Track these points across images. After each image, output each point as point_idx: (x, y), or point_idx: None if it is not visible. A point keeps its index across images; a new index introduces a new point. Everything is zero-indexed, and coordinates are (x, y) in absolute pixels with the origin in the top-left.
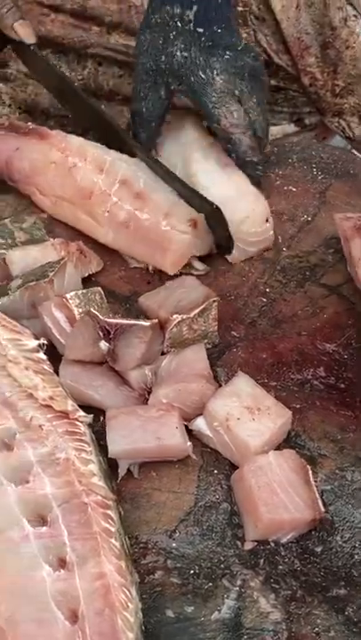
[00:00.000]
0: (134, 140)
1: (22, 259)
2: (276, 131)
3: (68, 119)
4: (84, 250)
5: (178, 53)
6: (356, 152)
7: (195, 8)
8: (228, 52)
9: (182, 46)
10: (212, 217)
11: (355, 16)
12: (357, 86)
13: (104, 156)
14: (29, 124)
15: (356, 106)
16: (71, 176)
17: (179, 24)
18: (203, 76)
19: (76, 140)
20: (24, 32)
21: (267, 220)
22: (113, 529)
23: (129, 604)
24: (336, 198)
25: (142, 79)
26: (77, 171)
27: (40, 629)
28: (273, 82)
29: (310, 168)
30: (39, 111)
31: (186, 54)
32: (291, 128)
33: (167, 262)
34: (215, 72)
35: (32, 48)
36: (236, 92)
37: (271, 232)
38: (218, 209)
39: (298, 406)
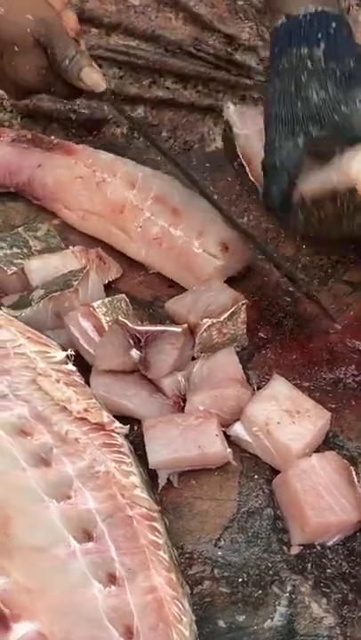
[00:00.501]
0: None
1: (42, 268)
2: None
3: (72, 122)
4: (103, 257)
5: (314, 95)
6: None
7: (323, 45)
8: None
9: (318, 86)
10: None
11: (358, 5)
12: None
13: (136, 172)
14: (52, 138)
15: None
16: (100, 190)
17: (309, 64)
18: (345, 110)
19: (105, 156)
20: (91, 80)
21: None
22: (160, 541)
23: (182, 616)
24: None
25: (278, 130)
26: (107, 186)
27: None
28: None
29: None
30: (41, 116)
31: (323, 94)
32: None
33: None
34: (358, 101)
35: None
36: None
37: None
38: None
39: (333, 406)
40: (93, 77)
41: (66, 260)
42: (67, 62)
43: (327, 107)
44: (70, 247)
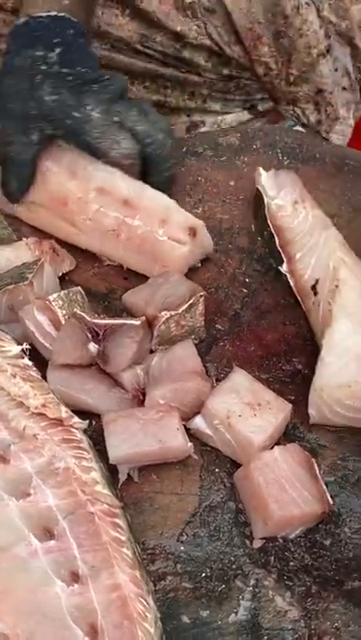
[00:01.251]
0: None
1: None
2: (230, 119)
3: None
4: (56, 248)
5: (47, 97)
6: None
7: (57, 50)
8: (94, 86)
9: (50, 90)
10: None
11: (307, 4)
12: (312, 74)
13: (79, 161)
14: None
15: (310, 93)
16: (43, 181)
17: (43, 67)
18: (78, 115)
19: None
20: None
21: None
22: (123, 537)
23: (147, 614)
24: (305, 184)
25: (10, 124)
26: (50, 176)
27: None
28: (225, 71)
29: (275, 153)
30: None
31: (55, 97)
32: (245, 115)
33: None
34: (89, 107)
35: None
36: (115, 119)
37: None
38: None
39: (292, 398)
40: None
41: (19, 252)
42: None
43: (60, 110)
44: (23, 239)
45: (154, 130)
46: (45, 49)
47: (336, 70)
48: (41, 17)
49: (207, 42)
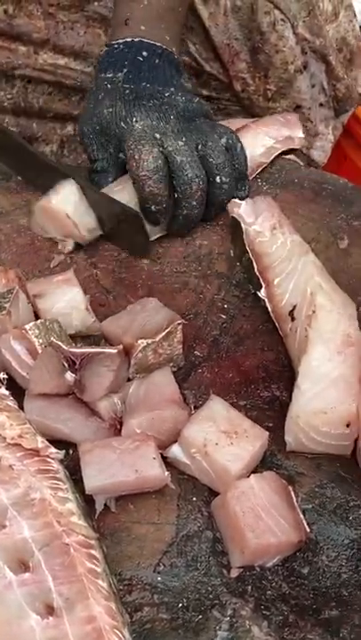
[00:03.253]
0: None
1: None
2: None
3: None
4: (21, 277)
5: (105, 111)
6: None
7: (125, 70)
8: (152, 101)
9: (108, 103)
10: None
11: (282, 20)
12: (289, 89)
13: None
14: None
15: (288, 109)
16: None
17: (108, 86)
18: (124, 125)
19: None
20: None
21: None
22: (99, 569)
23: None
24: (284, 208)
25: (86, 144)
26: None
27: None
28: (205, 92)
29: (254, 179)
30: None
31: (111, 109)
32: None
33: None
34: (135, 119)
35: None
36: (158, 136)
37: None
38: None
39: (270, 424)
40: None
41: None
42: None
43: (112, 122)
44: None
45: (192, 160)
46: (114, 71)
47: (313, 86)
48: (117, 43)
49: (186, 59)
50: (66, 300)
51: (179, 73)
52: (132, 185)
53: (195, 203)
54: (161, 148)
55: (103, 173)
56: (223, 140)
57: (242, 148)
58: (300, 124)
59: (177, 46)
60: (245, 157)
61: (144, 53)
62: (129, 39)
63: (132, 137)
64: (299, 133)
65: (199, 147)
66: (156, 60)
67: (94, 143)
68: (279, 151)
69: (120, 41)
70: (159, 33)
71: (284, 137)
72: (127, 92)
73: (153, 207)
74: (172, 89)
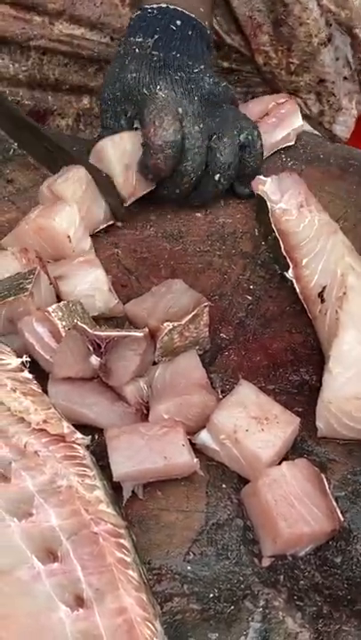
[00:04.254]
0: None
1: None
2: None
3: None
4: (42, 257)
5: (129, 75)
6: (313, 129)
7: (156, 36)
8: (179, 73)
9: (133, 68)
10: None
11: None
12: (313, 63)
13: None
14: None
15: (311, 83)
16: None
17: (137, 50)
18: (146, 92)
19: None
20: None
21: None
22: (128, 559)
23: (154, 638)
24: (310, 186)
25: (103, 109)
26: None
27: None
28: (225, 64)
29: (279, 155)
30: None
31: (135, 74)
32: None
33: None
34: (158, 87)
35: None
36: (180, 110)
37: None
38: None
39: (300, 410)
40: None
41: (4, 262)
42: None
43: (134, 88)
44: (8, 248)
45: (200, 152)
46: (144, 36)
47: (337, 60)
48: (151, 8)
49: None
50: (88, 281)
51: (209, 50)
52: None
53: (178, 191)
54: (181, 125)
55: None
56: (242, 136)
57: (261, 145)
58: (298, 109)
59: (210, 21)
60: (262, 155)
61: (178, 22)
62: (164, 5)
63: (154, 104)
64: (297, 122)
65: (213, 137)
66: (189, 32)
67: (110, 110)
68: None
69: (154, 6)
70: (194, 4)
71: (277, 140)
72: (155, 58)
73: (150, 176)
74: (202, 66)
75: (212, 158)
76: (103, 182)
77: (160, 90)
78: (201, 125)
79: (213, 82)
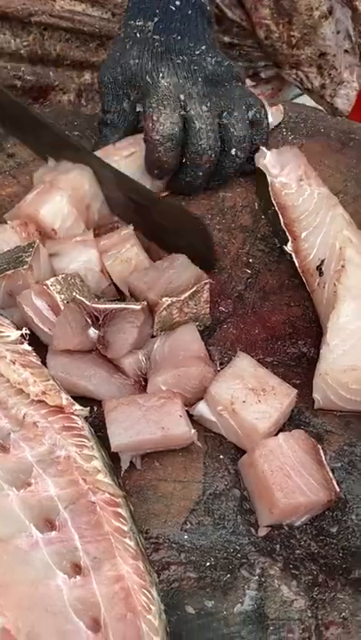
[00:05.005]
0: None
1: None
2: None
3: (17, 89)
4: (42, 231)
5: (131, 61)
6: (316, 103)
7: (156, 19)
8: (181, 57)
9: (135, 54)
10: (195, 233)
11: None
12: (314, 36)
13: None
14: None
15: (312, 56)
16: None
17: (138, 35)
18: (149, 79)
19: None
20: None
21: None
22: (126, 528)
23: (151, 606)
24: (310, 159)
25: (103, 92)
26: None
27: None
28: (227, 38)
29: (280, 129)
30: None
31: (138, 61)
32: (248, 83)
33: None
34: (160, 75)
35: None
36: (182, 97)
37: None
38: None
39: (298, 382)
40: None
41: (4, 236)
42: None
43: (137, 74)
44: (8, 222)
45: (211, 129)
46: (144, 19)
47: (338, 33)
48: None
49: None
50: (81, 261)
51: (210, 26)
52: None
53: (201, 173)
54: (183, 112)
55: (112, 127)
56: (251, 113)
57: (267, 124)
58: (274, 109)
59: None
60: (268, 133)
61: (177, 3)
62: None
63: (156, 94)
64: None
65: (224, 114)
66: (189, 11)
67: (111, 94)
68: None
69: None
70: None
71: None
72: (157, 43)
73: (156, 170)
74: (204, 47)
75: (227, 134)
76: (200, 231)
77: (162, 77)
78: (208, 104)
79: (216, 61)
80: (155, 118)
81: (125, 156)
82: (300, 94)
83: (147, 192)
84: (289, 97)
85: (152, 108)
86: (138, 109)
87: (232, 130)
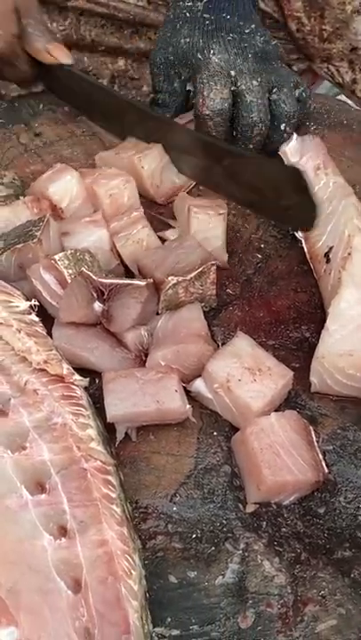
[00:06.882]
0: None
1: None
2: None
3: None
4: (56, 206)
5: (182, 40)
6: (346, 99)
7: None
8: (231, 35)
9: (186, 33)
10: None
11: None
12: (345, 30)
13: None
14: None
15: (344, 51)
16: None
17: (187, 14)
18: (200, 57)
19: None
20: (58, 53)
21: None
22: (114, 495)
23: (132, 571)
24: (331, 150)
25: (155, 73)
26: None
27: (43, 599)
28: None
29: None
30: None
31: (188, 39)
32: None
33: None
34: (212, 52)
35: (68, 69)
36: (233, 73)
37: None
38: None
39: (297, 365)
40: (61, 51)
41: (17, 211)
42: (37, 34)
43: (189, 52)
44: (21, 197)
45: (262, 103)
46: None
47: None
48: None
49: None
50: (91, 240)
51: (255, 8)
52: None
53: (251, 146)
54: (233, 87)
55: (163, 107)
56: (297, 92)
57: (310, 105)
58: None
59: None
60: (310, 114)
61: None
62: None
63: (207, 70)
64: None
65: (274, 90)
66: None
67: (162, 74)
68: None
69: None
70: None
71: None
72: (207, 22)
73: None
74: (253, 25)
75: (277, 109)
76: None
77: (213, 54)
78: (259, 79)
79: (265, 40)
80: (205, 94)
81: None
82: (334, 90)
83: (238, 152)
84: (322, 92)
85: (203, 83)
86: (188, 88)
87: (283, 105)
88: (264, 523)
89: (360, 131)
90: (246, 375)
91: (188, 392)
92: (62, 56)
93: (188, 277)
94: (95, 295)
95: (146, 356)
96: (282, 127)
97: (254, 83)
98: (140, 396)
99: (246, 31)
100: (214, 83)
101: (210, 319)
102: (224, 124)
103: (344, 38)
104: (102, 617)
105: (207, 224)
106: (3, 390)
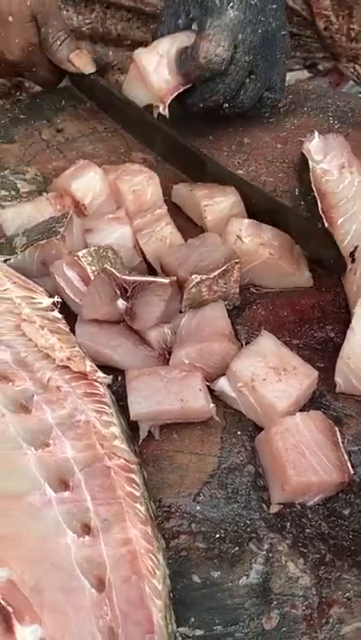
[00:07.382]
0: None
1: (17, 216)
2: (289, 77)
3: None
4: (79, 202)
5: None
6: None
7: None
8: (255, 0)
9: None
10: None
11: None
12: None
13: None
14: None
15: None
16: None
17: None
18: (218, 2)
19: None
20: (81, 62)
21: None
22: (137, 493)
23: (156, 570)
24: (354, 148)
25: (167, 5)
26: None
27: (67, 598)
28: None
29: (326, 117)
30: None
31: None
32: (304, 74)
33: None
34: (231, 4)
35: (92, 77)
36: (240, 37)
37: None
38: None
39: (322, 365)
40: (83, 60)
41: (40, 208)
42: (58, 43)
43: None
44: (44, 194)
45: (239, 77)
46: None
47: None
48: None
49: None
50: (114, 237)
51: (283, 3)
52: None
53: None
54: (234, 51)
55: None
56: (266, 93)
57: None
58: None
59: None
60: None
61: None
62: None
63: (221, 20)
64: None
65: (251, 75)
66: None
67: (173, 7)
68: None
69: None
70: None
71: None
72: None
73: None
74: (275, 6)
75: (238, 92)
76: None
77: (232, 7)
78: (251, 57)
79: (279, 25)
80: (213, 43)
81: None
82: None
83: (276, 203)
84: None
85: (214, 30)
86: (193, 27)
87: (243, 93)
88: (288, 523)
89: None
90: (271, 374)
91: (211, 391)
92: (83, 65)
93: (212, 275)
94: (118, 292)
95: (169, 354)
96: (225, 105)
97: (246, 58)
98: (163, 395)
99: (270, 6)
100: (224, 37)
101: (233, 317)
102: (211, 80)
103: None
104: (126, 616)
105: None
106: (26, 387)
